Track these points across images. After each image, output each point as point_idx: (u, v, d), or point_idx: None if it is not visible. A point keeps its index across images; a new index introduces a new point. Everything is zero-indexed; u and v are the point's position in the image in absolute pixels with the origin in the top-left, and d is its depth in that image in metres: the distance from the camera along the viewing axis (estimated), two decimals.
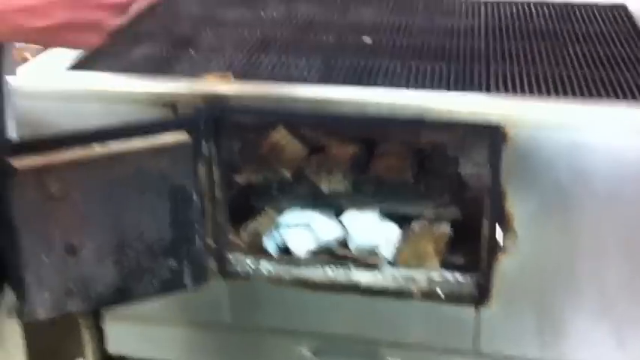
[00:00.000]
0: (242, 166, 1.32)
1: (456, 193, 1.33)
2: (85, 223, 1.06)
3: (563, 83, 1.18)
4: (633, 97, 1.13)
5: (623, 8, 1.53)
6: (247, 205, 1.36)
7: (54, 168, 0.99)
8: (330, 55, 1.28)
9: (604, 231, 1.13)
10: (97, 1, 0.72)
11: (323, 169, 1.32)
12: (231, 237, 1.30)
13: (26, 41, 0.75)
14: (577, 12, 1.51)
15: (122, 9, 0.75)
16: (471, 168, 1.31)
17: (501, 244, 1.16)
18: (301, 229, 1.30)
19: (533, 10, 1.53)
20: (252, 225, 1.33)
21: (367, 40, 1.36)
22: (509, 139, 1.10)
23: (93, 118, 1.12)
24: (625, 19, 1.47)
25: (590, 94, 1.14)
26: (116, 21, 0.75)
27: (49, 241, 1.03)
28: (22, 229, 1.00)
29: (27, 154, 0.98)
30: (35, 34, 0.72)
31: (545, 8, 1.54)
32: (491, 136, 1.12)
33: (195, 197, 1.15)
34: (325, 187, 1.31)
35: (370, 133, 1.34)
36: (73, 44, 0.76)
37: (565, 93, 1.15)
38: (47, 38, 0.73)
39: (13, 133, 1.01)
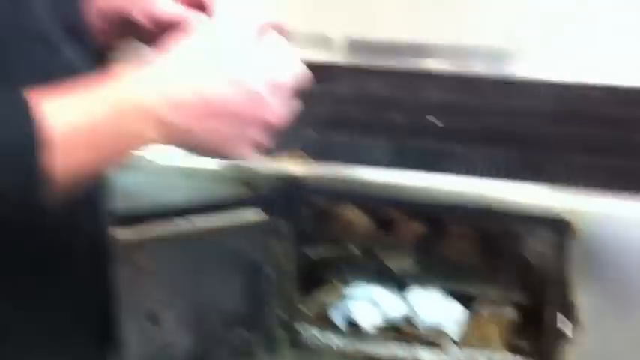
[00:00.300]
0: (313, 240, 1.38)
1: (521, 277, 1.35)
2: (168, 293, 1.13)
3: (631, 176, 1.20)
4: None
5: None
6: (315, 277, 1.41)
7: (144, 243, 1.07)
8: (401, 136, 1.33)
9: None
10: (262, 121, 0.71)
11: (390, 247, 1.36)
12: (300, 307, 1.35)
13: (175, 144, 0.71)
14: None
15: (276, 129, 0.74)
16: (538, 253, 1.33)
17: (566, 334, 1.17)
18: (367, 304, 1.34)
19: (601, 94, 1.55)
20: (320, 296, 1.37)
21: (437, 122, 1.41)
22: (575, 232, 1.13)
23: (179, 192, 1.19)
24: None
25: None
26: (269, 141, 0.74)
27: (135, 310, 1.10)
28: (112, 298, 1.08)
29: (122, 227, 1.06)
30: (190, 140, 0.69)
31: (614, 92, 1.55)
32: (558, 228, 1.14)
33: (268, 271, 1.22)
34: (392, 263, 1.35)
35: (438, 214, 1.38)
36: (224, 155, 0.73)
37: (632, 186, 1.17)
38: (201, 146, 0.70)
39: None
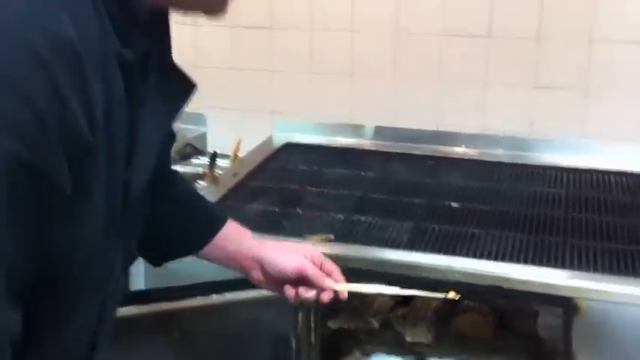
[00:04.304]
0: (335, 313, 1.47)
1: (531, 349, 1.43)
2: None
3: (633, 260, 1.28)
4: None
5: None
6: (338, 348, 1.50)
7: (180, 314, 1.18)
8: (420, 218, 1.44)
9: None
10: None
11: (408, 320, 1.46)
12: None
13: None
14: None
15: None
16: (547, 324, 1.42)
17: None
18: None
19: (612, 179, 1.65)
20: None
21: (454, 204, 1.51)
22: (580, 310, 1.21)
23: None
24: None
25: None
26: None
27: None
28: None
29: (156, 302, 1.17)
30: None
31: (624, 178, 1.65)
32: (564, 306, 1.23)
33: (293, 343, 1.31)
34: (409, 337, 1.44)
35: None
36: None
37: (634, 271, 1.25)
38: None
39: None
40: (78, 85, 0.55)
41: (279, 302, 1.26)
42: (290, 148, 1.87)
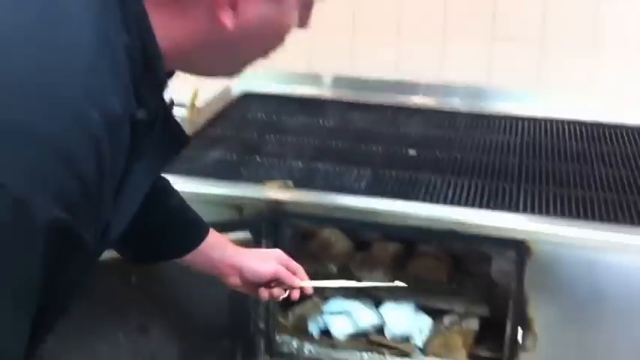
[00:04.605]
0: (295, 259, 1.48)
1: (485, 292, 1.47)
2: (157, 307, 1.24)
3: (585, 205, 1.32)
4: None
5: None
6: None
7: None
8: (378, 165, 1.46)
9: (616, 341, 1.25)
10: None
11: (366, 265, 1.48)
12: (280, 320, 1.46)
13: None
14: (607, 132, 1.66)
15: None
16: (501, 269, 1.45)
17: (522, 343, 1.29)
18: (343, 316, 1.46)
19: (566, 128, 1.68)
20: (299, 310, 1.48)
21: (412, 152, 1.53)
22: (532, 253, 1.25)
23: None
24: None
25: (609, 218, 1.28)
26: None
27: (125, 320, 1.20)
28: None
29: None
30: None
31: (577, 127, 1.69)
32: (516, 249, 1.26)
33: None
34: (367, 280, 1.46)
35: (410, 235, 1.49)
36: None
37: (586, 215, 1.29)
38: None
39: None
40: (115, 156, 0.60)
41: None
42: (248, 97, 1.86)
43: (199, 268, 1.04)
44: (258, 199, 1.33)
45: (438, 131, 1.66)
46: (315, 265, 1.48)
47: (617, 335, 1.25)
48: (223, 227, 1.22)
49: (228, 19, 0.66)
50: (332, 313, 1.47)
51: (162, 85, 0.69)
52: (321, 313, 1.48)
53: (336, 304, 1.48)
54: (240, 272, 1.03)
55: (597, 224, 1.26)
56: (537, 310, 1.27)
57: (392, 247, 1.52)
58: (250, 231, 1.29)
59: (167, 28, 0.65)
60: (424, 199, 1.33)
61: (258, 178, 1.38)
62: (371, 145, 1.57)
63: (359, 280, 1.46)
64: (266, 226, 1.32)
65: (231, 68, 0.74)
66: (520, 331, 1.28)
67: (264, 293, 1.05)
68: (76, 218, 0.56)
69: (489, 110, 1.78)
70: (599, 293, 1.24)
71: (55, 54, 0.57)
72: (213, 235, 1.04)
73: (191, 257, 1.01)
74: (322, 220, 1.35)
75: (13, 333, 0.56)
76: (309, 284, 1.08)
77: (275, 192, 1.34)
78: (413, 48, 1.86)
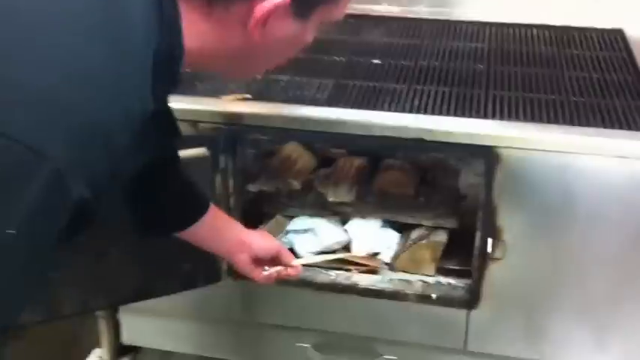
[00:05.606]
0: (255, 176, 1.43)
1: (453, 205, 1.43)
2: (114, 231, 1.17)
3: (555, 109, 1.27)
4: (619, 124, 1.22)
5: (620, 33, 1.61)
6: (259, 212, 1.47)
7: None
8: (341, 76, 1.38)
9: (587, 246, 1.23)
10: None
11: (330, 181, 1.42)
12: None
13: None
14: (575, 36, 1.60)
15: None
16: (469, 182, 1.42)
17: (492, 253, 1.26)
18: (308, 235, 1.41)
19: (534, 32, 1.62)
20: (264, 230, 1.43)
21: (376, 61, 1.46)
22: (501, 160, 1.20)
23: None
24: (621, 44, 1.56)
25: (580, 121, 1.23)
26: None
27: (82, 246, 1.14)
28: None
29: None
30: None
31: (545, 31, 1.63)
32: (485, 156, 1.21)
33: None
34: (332, 197, 1.41)
35: (376, 149, 1.44)
36: None
37: (556, 119, 1.24)
38: None
39: None
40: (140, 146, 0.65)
41: (196, 164, 1.21)
42: None
43: (211, 245, 1.08)
44: (215, 113, 1.25)
45: (403, 40, 1.59)
46: (278, 182, 1.43)
47: (588, 240, 1.22)
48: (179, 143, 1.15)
49: (257, 32, 0.70)
50: (297, 232, 1.42)
51: (176, 84, 0.72)
52: (286, 232, 1.43)
53: (300, 221, 1.44)
54: (250, 248, 1.08)
55: (567, 128, 1.22)
56: (507, 219, 1.24)
57: (357, 162, 1.46)
58: (208, 147, 1.22)
59: (195, 30, 0.69)
60: (389, 109, 1.27)
61: (215, 92, 1.30)
62: (333, 55, 1.49)
63: (325, 196, 1.42)
64: (224, 141, 1.25)
65: (245, 73, 0.84)
66: (490, 242, 1.25)
67: (260, 275, 1.11)
68: (97, 200, 0.59)
69: (455, 17, 1.70)
70: (571, 198, 1.20)
71: (118, 54, 0.62)
72: (220, 214, 1.09)
73: (203, 233, 1.04)
74: (282, 133, 1.28)
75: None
76: (300, 262, 1.17)
77: (232, 105, 1.26)
78: None
